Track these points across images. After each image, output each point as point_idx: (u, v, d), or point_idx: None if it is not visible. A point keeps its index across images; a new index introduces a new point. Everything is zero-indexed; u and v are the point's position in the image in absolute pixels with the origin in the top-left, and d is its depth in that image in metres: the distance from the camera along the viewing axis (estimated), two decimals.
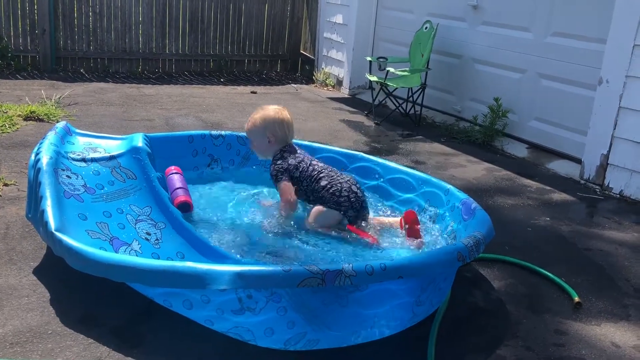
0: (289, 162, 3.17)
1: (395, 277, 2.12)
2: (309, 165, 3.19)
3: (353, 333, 2.22)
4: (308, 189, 3.14)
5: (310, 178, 3.14)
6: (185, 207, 3.03)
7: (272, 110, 3.26)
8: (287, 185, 3.12)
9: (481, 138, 5.51)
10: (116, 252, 2.52)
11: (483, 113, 5.65)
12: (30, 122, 4.99)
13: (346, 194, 3.07)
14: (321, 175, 3.13)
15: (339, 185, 3.09)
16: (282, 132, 3.22)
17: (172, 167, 3.27)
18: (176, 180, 3.18)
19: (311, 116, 6.17)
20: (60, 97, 6.02)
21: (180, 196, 3.05)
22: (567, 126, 5.01)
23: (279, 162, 3.19)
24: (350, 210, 3.08)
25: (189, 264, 2.11)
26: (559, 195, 4.28)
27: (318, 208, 3.09)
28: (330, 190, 3.07)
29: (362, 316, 2.21)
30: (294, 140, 3.38)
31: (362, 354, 2.24)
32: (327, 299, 2.14)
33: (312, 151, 3.54)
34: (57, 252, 2.39)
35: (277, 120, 3.21)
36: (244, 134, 3.50)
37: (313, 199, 3.15)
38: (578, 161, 4.70)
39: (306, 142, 3.90)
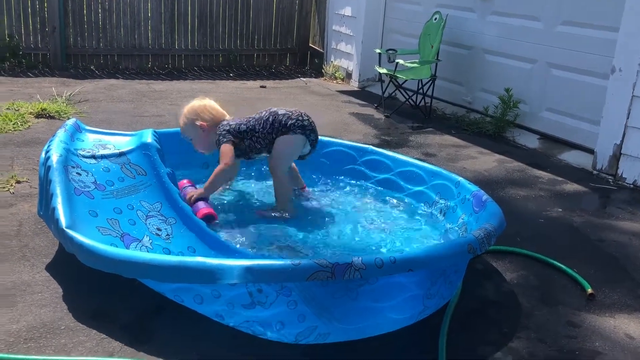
0: (230, 123, 3.22)
1: (405, 270, 2.11)
2: (251, 118, 3.25)
3: (363, 326, 2.22)
4: (264, 131, 3.16)
5: (260, 120, 3.19)
6: (210, 219, 2.99)
7: (192, 102, 3.30)
8: (228, 147, 3.14)
9: (492, 129, 5.47)
10: (127, 248, 2.53)
11: (494, 104, 5.60)
12: (42, 119, 5.02)
13: (307, 117, 3.18)
14: (272, 114, 3.19)
15: (296, 112, 3.18)
16: (209, 114, 3.25)
17: (185, 181, 3.25)
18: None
19: (321, 109, 6.15)
20: (71, 94, 6.05)
21: (203, 208, 3.00)
22: (579, 116, 4.95)
23: (221, 128, 3.21)
24: (312, 134, 3.20)
25: (200, 259, 2.12)
26: (571, 186, 4.25)
27: (286, 137, 3.13)
28: (293, 117, 3.14)
29: (372, 309, 2.20)
30: None
31: (373, 347, 2.24)
32: (337, 293, 2.14)
33: (321, 145, 3.53)
34: (68, 249, 2.40)
35: (199, 107, 3.26)
36: None
37: (273, 139, 3.16)
38: (590, 151, 4.65)
39: None
